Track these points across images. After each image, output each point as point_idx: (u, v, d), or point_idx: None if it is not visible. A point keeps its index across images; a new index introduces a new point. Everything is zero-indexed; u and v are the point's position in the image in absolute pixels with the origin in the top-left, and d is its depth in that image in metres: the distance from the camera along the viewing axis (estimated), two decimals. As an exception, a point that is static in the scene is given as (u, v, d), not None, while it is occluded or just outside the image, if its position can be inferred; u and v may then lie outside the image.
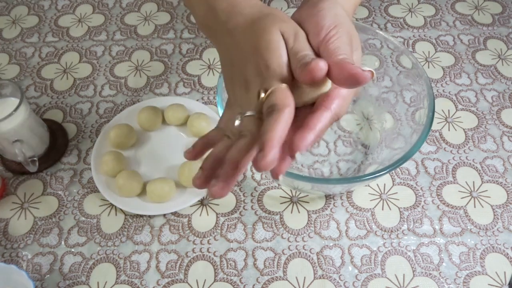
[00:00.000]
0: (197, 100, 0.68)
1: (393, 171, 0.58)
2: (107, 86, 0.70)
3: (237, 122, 0.34)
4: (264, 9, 0.37)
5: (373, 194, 0.59)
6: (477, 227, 0.56)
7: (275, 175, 0.32)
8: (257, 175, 0.60)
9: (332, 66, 0.32)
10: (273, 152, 0.29)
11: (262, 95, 0.33)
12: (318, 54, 0.35)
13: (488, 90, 0.68)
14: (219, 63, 0.72)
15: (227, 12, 0.38)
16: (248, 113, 0.33)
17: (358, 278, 0.53)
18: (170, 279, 0.53)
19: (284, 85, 0.33)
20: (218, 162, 0.37)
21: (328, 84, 0.35)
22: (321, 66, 0.31)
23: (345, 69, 0.32)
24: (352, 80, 0.32)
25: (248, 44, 0.36)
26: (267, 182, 0.60)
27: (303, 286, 0.52)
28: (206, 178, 0.36)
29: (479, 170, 0.60)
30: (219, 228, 0.56)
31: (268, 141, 0.29)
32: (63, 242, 0.56)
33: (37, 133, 0.60)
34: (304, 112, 0.34)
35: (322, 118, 0.33)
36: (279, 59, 0.34)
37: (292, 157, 0.32)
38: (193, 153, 0.40)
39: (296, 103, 0.33)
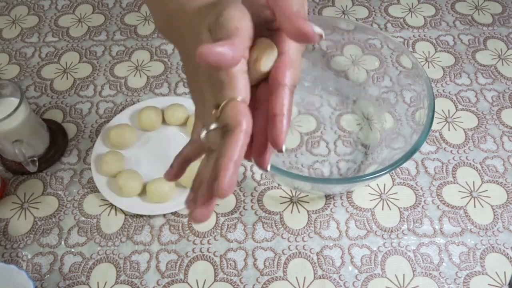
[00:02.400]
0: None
1: (393, 171, 0.58)
2: (107, 86, 0.70)
3: (202, 135, 0.32)
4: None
5: (373, 194, 0.59)
6: (477, 227, 0.56)
7: (262, 167, 0.31)
8: (257, 175, 0.60)
9: (284, 18, 0.30)
10: (227, 179, 0.27)
11: (214, 111, 0.31)
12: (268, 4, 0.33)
13: (488, 90, 0.68)
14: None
15: (181, 2, 0.35)
16: (212, 127, 0.31)
17: (358, 278, 0.53)
18: (170, 279, 0.53)
19: (236, 98, 0.30)
20: (186, 161, 0.38)
21: (274, 54, 0.33)
22: (208, 51, 0.27)
23: (296, 24, 0.29)
24: (301, 38, 0.30)
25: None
26: (267, 182, 0.60)
27: (303, 286, 0.52)
28: (174, 175, 0.37)
29: (479, 170, 0.60)
30: (219, 228, 0.56)
31: (221, 169, 0.28)
32: (63, 242, 0.56)
33: (37, 133, 0.60)
34: (264, 88, 0.32)
35: (283, 98, 0.31)
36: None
37: (280, 151, 0.31)
38: (172, 174, 0.39)
39: (250, 80, 0.31)
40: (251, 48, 0.32)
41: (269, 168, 0.32)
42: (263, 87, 0.33)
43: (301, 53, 0.34)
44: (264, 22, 0.34)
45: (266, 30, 0.34)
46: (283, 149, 0.31)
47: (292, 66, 0.33)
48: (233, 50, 0.28)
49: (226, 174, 0.28)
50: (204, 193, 0.31)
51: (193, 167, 0.57)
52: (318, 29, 0.30)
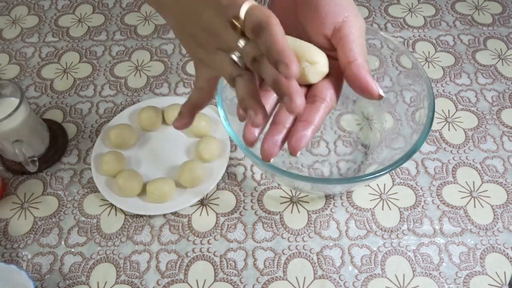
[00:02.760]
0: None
1: (393, 171, 0.58)
2: (107, 86, 0.70)
3: (235, 55, 0.32)
4: None
5: (373, 194, 0.59)
6: (477, 227, 0.56)
7: (266, 157, 0.33)
8: (257, 175, 0.60)
9: (348, 69, 0.33)
10: (291, 58, 0.28)
11: (236, 23, 0.31)
12: (330, 43, 0.35)
13: (488, 90, 0.68)
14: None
15: None
16: (241, 43, 0.31)
17: (358, 278, 0.53)
18: (170, 279, 0.53)
19: (252, 3, 0.31)
20: (195, 107, 0.38)
21: (325, 67, 0.35)
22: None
23: (362, 76, 0.32)
24: (363, 91, 0.33)
25: None
26: (267, 182, 0.60)
27: (303, 286, 0.52)
28: (183, 123, 0.38)
29: (479, 170, 0.60)
30: (219, 228, 0.56)
31: (282, 53, 0.28)
32: (63, 242, 0.56)
33: (37, 133, 0.60)
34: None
35: (321, 111, 0.33)
36: None
37: (295, 155, 0.32)
38: (182, 122, 0.39)
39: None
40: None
41: (298, 154, 0.33)
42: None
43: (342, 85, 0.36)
44: (315, 44, 0.36)
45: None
46: (298, 154, 0.32)
47: (338, 90, 0.35)
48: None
49: (290, 56, 0.28)
50: (252, 104, 0.32)
51: (193, 167, 0.57)
52: (381, 91, 0.33)
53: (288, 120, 0.34)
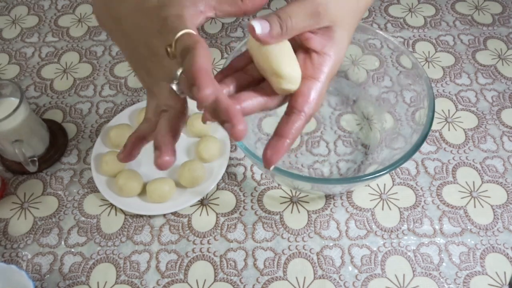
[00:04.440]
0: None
1: (393, 171, 0.58)
2: (107, 86, 0.70)
3: (174, 83, 0.32)
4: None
5: (373, 194, 0.59)
6: (477, 227, 0.56)
7: (266, 164, 0.33)
8: (257, 175, 0.60)
9: (294, 96, 0.34)
10: (205, 85, 0.28)
11: (168, 49, 0.31)
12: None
13: (488, 90, 0.68)
14: (218, 63, 0.73)
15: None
16: (179, 71, 0.31)
17: (358, 278, 0.53)
18: (170, 279, 0.53)
19: (186, 30, 0.31)
20: (140, 139, 0.38)
21: (296, 84, 0.34)
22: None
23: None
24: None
25: (136, 20, 0.34)
26: (267, 182, 0.60)
27: (303, 286, 0.52)
28: (127, 155, 0.38)
29: (479, 170, 0.60)
30: (219, 228, 0.56)
31: (195, 73, 0.28)
32: (63, 242, 0.56)
33: (37, 133, 0.60)
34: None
35: (296, 125, 0.33)
36: (176, 8, 0.32)
37: (268, 169, 0.33)
38: (125, 153, 0.39)
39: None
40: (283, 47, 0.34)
41: (272, 168, 0.33)
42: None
43: (325, 93, 0.36)
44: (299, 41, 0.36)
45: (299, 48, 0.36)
46: (271, 168, 0.33)
47: (318, 95, 0.34)
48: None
49: (203, 78, 0.28)
50: (163, 138, 0.34)
51: (193, 167, 0.57)
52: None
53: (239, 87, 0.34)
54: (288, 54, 0.34)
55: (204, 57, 0.29)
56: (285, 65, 0.33)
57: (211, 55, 0.30)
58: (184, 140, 0.63)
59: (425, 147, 0.62)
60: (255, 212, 0.57)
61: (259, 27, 0.32)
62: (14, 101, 0.56)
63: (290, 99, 0.34)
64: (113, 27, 0.38)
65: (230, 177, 0.60)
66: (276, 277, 0.53)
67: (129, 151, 0.39)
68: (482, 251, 0.54)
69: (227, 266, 0.54)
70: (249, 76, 0.36)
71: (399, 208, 0.57)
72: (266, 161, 0.33)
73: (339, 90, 0.66)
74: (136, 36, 0.35)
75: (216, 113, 0.29)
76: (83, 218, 0.58)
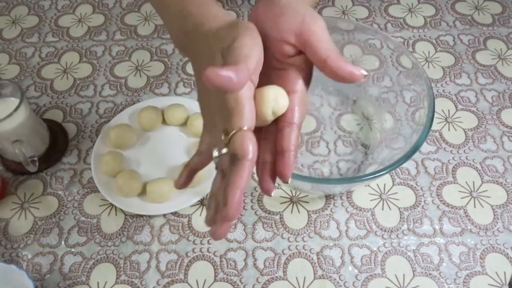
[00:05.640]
0: (197, 100, 0.68)
1: (393, 171, 0.58)
2: (107, 86, 0.70)
3: (215, 153, 0.34)
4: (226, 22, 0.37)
5: (373, 194, 0.59)
6: (477, 227, 0.56)
7: (268, 193, 0.35)
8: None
9: (325, 67, 0.34)
10: (234, 206, 0.31)
11: (223, 137, 0.33)
12: (297, 49, 0.36)
13: (488, 90, 0.68)
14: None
15: (197, 22, 0.38)
16: (223, 151, 0.33)
17: (358, 278, 0.53)
18: (170, 279, 0.53)
19: (243, 127, 0.32)
20: (194, 171, 0.41)
21: (284, 106, 0.35)
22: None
23: (342, 67, 0.34)
24: (348, 78, 0.34)
25: None
26: (267, 182, 0.60)
27: (303, 286, 0.52)
28: (183, 184, 0.41)
29: (479, 170, 0.60)
30: (219, 228, 0.56)
31: (229, 196, 0.31)
32: (63, 242, 0.56)
33: (37, 133, 0.60)
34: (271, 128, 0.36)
35: (292, 136, 0.34)
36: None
37: (286, 183, 0.34)
38: (182, 183, 0.42)
39: (256, 123, 0.33)
40: (263, 95, 0.35)
41: (273, 194, 0.36)
42: (270, 127, 0.36)
43: (306, 97, 0.37)
44: (279, 54, 0.37)
45: (277, 61, 0.37)
46: (289, 181, 0.34)
47: (301, 105, 0.36)
48: (237, 76, 0.29)
49: (233, 201, 0.31)
50: (221, 214, 0.34)
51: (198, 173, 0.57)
52: (363, 70, 0.34)
53: (268, 156, 0.35)
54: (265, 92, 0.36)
55: (245, 179, 0.31)
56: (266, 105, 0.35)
57: (254, 165, 0.32)
58: (184, 140, 0.63)
59: (425, 147, 0.62)
60: (255, 212, 0.57)
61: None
62: (14, 101, 0.56)
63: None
64: (192, 56, 0.40)
65: (230, 177, 0.60)
66: (276, 277, 0.53)
67: (184, 182, 0.42)
68: (482, 251, 0.54)
69: (227, 266, 0.54)
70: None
71: (399, 208, 0.57)
72: (282, 177, 0.34)
73: (339, 90, 0.66)
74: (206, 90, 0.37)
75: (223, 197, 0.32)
76: (83, 218, 0.58)
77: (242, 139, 0.32)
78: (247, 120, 0.32)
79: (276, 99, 0.34)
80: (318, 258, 0.54)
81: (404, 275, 0.53)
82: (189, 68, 0.72)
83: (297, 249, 0.55)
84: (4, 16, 0.81)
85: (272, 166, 0.35)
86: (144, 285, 0.53)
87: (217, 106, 0.35)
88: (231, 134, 0.32)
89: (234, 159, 0.31)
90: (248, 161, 0.31)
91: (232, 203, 0.31)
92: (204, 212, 0.58)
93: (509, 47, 0.73)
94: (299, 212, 0.57)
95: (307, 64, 0.37)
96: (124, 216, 0.58)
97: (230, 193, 0.31)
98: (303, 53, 0.36)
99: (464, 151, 0.62)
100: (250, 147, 0.31)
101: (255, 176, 0.60)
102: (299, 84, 0.37)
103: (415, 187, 0.59)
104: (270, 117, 0.35)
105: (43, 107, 0.68)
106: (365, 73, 0.34)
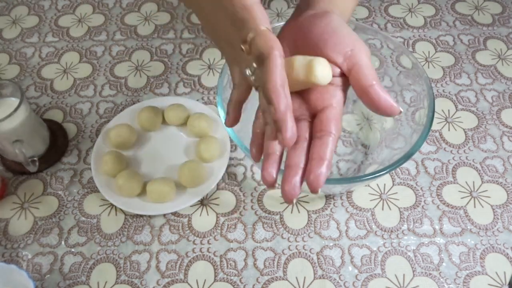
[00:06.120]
0: (197, 100, 0.68)
1: (393, 171, 0.58)
2: (107, 86, 0.70)
3: (247, 72, 0.34)
4: None
5: (373, 194, 0.59)
6: (477, 227, 0.56)
7: (289, 199, 0.34)
8: (257, 175, 0.60)
9: (368, 93, 0.35)
10: (282, 102, 0.30)
11: (244, 47, 0.33)
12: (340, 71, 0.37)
13: (488, 90, 0.68)
14: (219, 63, 0.73)
15: None
16: (254, 65, 0.33)
17: (358, 278, 0.53)
18: (170, 279, 0.53)
19: (262, 28, 0.32)
20: (239, 103, 0.40)
21: (324, 75, 0.35)
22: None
23: (383, 99, 0.34)
24: (386, 111, 0.34)
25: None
26: (267, 182, 0.60)
27: (303, 286, 0.52)
28: (233, 120, 0.40)
29: (479, 170, 0.60)
30: (219, 228, 0.56)
31: (272, 93, 0.30)
32: (63, 242, 0.56)
33: (37, 133, 0.60)
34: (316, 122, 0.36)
35: (330, 145, 0.34)
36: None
37: (316, 193, 0.33)
38: (231, 119, 0.41)
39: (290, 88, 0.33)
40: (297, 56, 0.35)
41: (295, 201, 0.35)
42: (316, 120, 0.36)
43: (343, 110, 0.38)
44: None
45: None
46: (319, 191, 0.33)
47: (338, 120, 0.36)
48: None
49: (279, 97, 0.30)
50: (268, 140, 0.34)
51: (193, 167, 0.57)
52: (400, 107, 0.35)
53: (301, 160, 0.34)
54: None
55: (279, 69, 0.30)
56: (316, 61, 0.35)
57: (283, 61, 0.31)
58: (184, 140, 0.63)
59: (425, 147, 0.62)
60: (255, 212, 0.57)
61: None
62: (15, 101, 0.56)
63: (314, 124, 0.36)
64: (197, 8, 0.40)
65: (230, 177, 0.60)
66: (276, 277, 0.53)
67: (233, 117, 0.41)
68: (482, 251, 0.54)
69: (227, 266, 0.54)
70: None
71: (399, 208, 0.58)
72: (312, 186, 0.33)
73: (339, 90, 0.66)
74: (214, 20, 0.37)
75: (271, 121, 0.32)
76: (83, 218, 0.58)
77: (263, 38, 0.31)
78: (261, 21, 0.32)
79: (314, 64, 0.34)
80: (318, 258, 0.54)
81: (404, 275, 0.53)
82: (189, 68, 0.72)
83: (297, 249, 0.55)
84: (4, 16, 0.81)
85: (302, 172, 0.34)
86: (144, 285, 0.53)
87: (228, 24, 0.34)
88: (250, 38, 0.32)
89: (262, 59, 0.31)
90: (275, 55, 0.30)
91: (278, 100, 0.30)
92: (204, 213, 0.58)
93: (509, 47, 0.73)
94: (299, 212, 0.57)
95: (345, 86, 0.38)
96: (124, 216, 0.58)
97: (271, 89, 0.30)
98: (344, 76, 0.37)
99: (464, 151, 0.62)
100: (273, 41, 0.31)
101: (256, 176, 0.60)
102: (337, 100, 0.37)
103: (415, 187, 0.59)
104: (302, 77, 0.34)
105: (43, 107, 0.68)
106: (401, 110, 0.35)
